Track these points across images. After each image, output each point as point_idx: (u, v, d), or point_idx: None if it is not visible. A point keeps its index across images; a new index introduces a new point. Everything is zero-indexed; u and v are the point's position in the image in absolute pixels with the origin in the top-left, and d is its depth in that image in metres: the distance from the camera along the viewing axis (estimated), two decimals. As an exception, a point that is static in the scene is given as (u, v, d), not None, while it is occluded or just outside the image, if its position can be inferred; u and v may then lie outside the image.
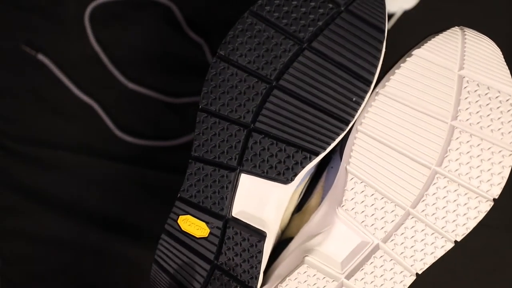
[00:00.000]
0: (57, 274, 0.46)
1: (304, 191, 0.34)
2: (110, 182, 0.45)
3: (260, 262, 0.29)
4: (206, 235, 0.30)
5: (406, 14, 0.43)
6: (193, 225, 0.30)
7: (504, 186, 0.44)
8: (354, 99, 0.26)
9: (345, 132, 0.27)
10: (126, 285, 0.45)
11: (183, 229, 0.30)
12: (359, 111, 0.27)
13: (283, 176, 0.28)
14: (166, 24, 0.45)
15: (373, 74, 0.26)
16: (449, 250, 0.44)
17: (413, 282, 0.44)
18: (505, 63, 0.27)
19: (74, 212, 0.45)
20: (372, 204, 0.28)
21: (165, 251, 0.31)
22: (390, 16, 0.43)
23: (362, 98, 0.26)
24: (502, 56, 0.27)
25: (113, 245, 0.45)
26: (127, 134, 0.45)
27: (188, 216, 0.30)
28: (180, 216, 0.30)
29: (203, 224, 0.30)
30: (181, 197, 0.30)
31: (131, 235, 0.45)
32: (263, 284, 0.31)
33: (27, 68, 0.46)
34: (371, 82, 0.26)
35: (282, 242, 0.34)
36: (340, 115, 0.27)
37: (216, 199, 0.29)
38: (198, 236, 0.30)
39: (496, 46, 0.28)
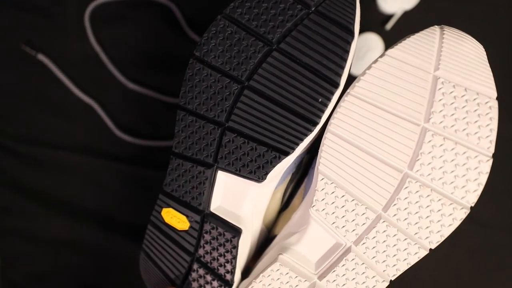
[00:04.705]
0: (57, 274, 0.46)
1: (291, 189, 0.34)
2: (110, 182, 0.46)
3: (235, 258, 0.30)
4: (187, 228, 0.31)
5: (406, 14, 0.42)
6: (174, 218, 0.31)
7: (505, 186, 0.42)
8: (320, 100, 0.26)
9: (314, 133, 0.27)
10: (126, 285, 0.45)
11: (166, 221, 0.32)
12: (326, 112, 0.27)
13: (255, 174, 0.28)
14: (166, 24, 0.44)
15: (339, 75, 0.26)
16: (449, 250, 0.43)
17: (413, 282, 0.43)
18: (488, 63, 0.26)
19: (74, 212, 0.46)
20: (343, 206, 0.28)
21: (151, 241, 0.33)
22: (390, 16, 0.42)
23: (328, 99, 0.26)
24: (485, 56, 0.26)
25: (113, 245, 0.46)
26: (127, 134, 0.45)
27: (170, 209, 0.31)
28: (163, 209, 0.32)
29: (184, 218, 0.31)
30: (164, 191, 0.31)
31: (131, 235, 0.45)
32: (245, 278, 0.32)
33: (27, 68, 0.45)
34: (337, 83, 0.26)
35: (270, 239, 0.34)
36: (307, 116, 0.27)
37: (194, 194, 0.30)
38: (179, 229, 0.31)
39: (480, 45, 0.26)
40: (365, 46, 0.43)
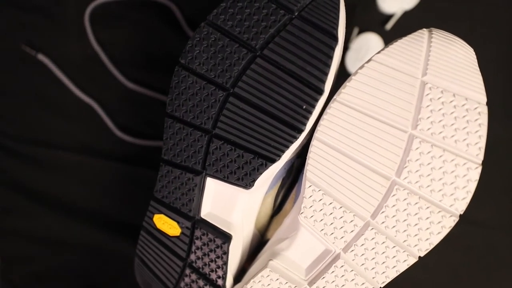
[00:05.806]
0: (57, 274, 0.46)
1: (282, 194, 0.34)
2: (110, 182, 0.46)
3: (225, 263, 0.30)
4: (178, 234, 0.31)
5: (406, 14, 0.41)
6: (166, 224, 0.31)
7: (504, 186, 0.41)
8: (304, 106, 0.26)
9: (300, 140, 0.27)
10: (126, 284, 0.45)
11: (157, 227, 0.32)
12: (312, 119, 0.26)
13: (242, 181, 0.28)
14: (166, 24, 0.44)
15: (323, 81, 0.25)
16: (446, 251, 0.42)
17: (413, 282, 0.42)
18: (477, 67, 0.25)
19: (74, 212, 0.46)
20: (331, 213, 0.27)
21: (144, 246, 0.33)
22: (390, 16, 0.41)
23: (313, 106, 0.26)
24: (475, 59, 0.25)
25: (113, 245, 0.46)
26: (127, 134, 0.45)
27: (162, 215, 0.31)
28: (155, 215, 0.32)
29: (175, 224, 0.31)
30: (155, 197, 0.31)
31: (130, 235, 0.45)
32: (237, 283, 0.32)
33: (27, 68, 0.45)
34: (321, 90, 0.26)
35: (263, 243, 0.34)
36: (292, 123, 0.26)
37: (184, 201, 0.30)
38: (171, 235, 0.31)
39: (470, 48, 0.25)
40: (365, 46, 0.42)
